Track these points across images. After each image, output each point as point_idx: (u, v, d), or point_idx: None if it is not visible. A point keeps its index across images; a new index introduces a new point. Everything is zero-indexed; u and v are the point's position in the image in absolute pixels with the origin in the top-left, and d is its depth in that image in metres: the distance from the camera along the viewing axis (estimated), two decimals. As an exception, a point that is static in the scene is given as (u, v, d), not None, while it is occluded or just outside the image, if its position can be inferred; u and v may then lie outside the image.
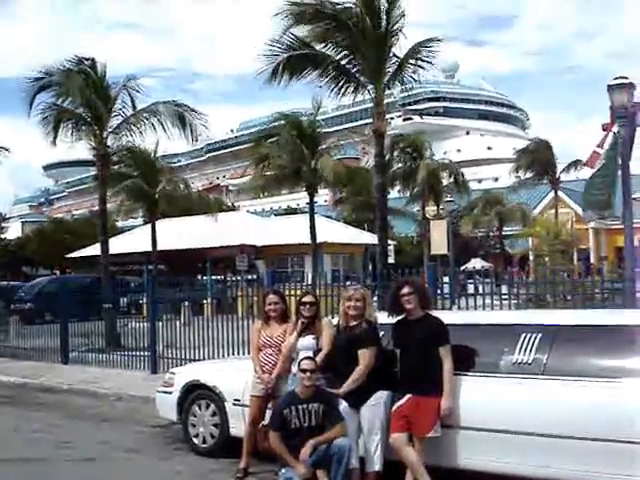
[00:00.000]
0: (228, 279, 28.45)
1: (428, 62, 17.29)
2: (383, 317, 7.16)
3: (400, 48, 17.06)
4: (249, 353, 8.35)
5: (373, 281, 15.78)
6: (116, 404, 12.58)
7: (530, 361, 6.49)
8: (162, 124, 20.83)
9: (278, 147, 29.63)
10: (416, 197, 42.37)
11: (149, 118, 20.84)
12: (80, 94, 19.69)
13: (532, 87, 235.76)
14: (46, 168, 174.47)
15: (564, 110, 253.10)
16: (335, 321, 7.43)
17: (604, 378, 6.05)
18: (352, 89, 17.71)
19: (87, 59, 20.60)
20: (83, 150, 22.79)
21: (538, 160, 43.18)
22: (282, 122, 30.48)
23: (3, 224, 66.19)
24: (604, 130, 12.87)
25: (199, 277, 36.47)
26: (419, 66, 17.35)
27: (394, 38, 16.92)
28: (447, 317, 7.12)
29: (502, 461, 6.33)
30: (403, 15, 16.69)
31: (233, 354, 12.56)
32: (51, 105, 20.45)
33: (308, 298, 7.65)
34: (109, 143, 20.97)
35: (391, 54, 17.00)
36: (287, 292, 11.56)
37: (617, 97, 12.20)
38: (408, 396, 6.63)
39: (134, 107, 20.98)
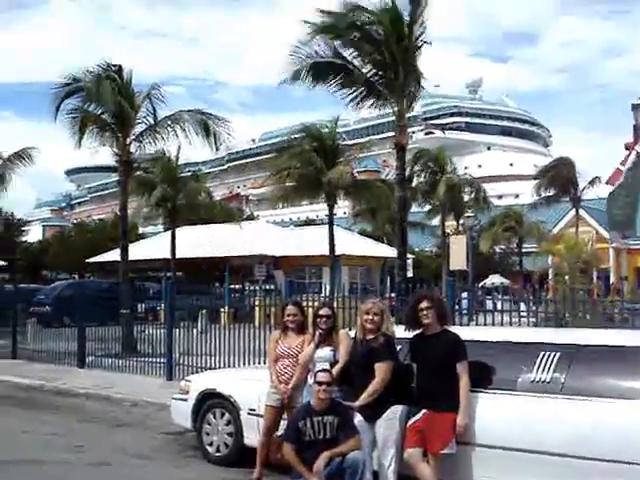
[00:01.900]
0: (246, 288, 28.56)
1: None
2: (401, 331, 7.13)
3: (423, 63, 17.13)
4: (265, 363, 8.34)
5: (391, 294, 15.75)
6: (131, 410, 12.60)
7: (548, 380, 6.44)
8: (185, 132, 20.94)
9: (298, 158, 29.66)
10: (436, 211, 42.29)
11: (173, 126, 20.96)
12: (111, 99, 19.83)
13: (556, 104, 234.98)
14: (68, 173, 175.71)
15: (587, 128, 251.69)
16: (352, 333, 7.42)
17: (622, 398, 5.99)
18: (375, 101, 17.74)
19: (114, 65, 20.76)
20: (106, 156, 22.97)
21: (560, 178, 42.94)
22: (303, 134, 30.53)
23: (24, 228, 66.57)
24: (627, 149, 12.82)
25: (217, 285, 36.59)
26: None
27: (418, 52, 16.93)
28: (465, 333, 7.08)
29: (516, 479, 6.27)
30: (425, 30, 16.73)
31: (249, 363, 12.54)
32: (78, 109, 20.58)
33: (324, 311, 7.62)
34: (132, 149, 21.09)
35: (415, 68, 17.00)
36: (305, 303, 11.58)
37: (642, 116, 12.12)
38: (424, 411, 6.60)
39: (155, 116, 21.06)
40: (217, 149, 21.90)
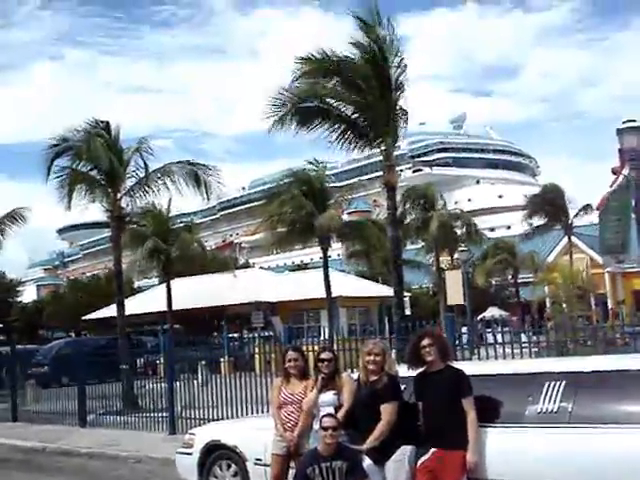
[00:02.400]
0: (244, 336, 28.43)
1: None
2: (403, 370, 7.08)
3: (405, 101, 17.25)
4: (268, 411, 8.25)
5: (390, 334, 15.70)
6: (135, 466, 12.45)
7: (556, 410, 6.39)
8: (175, 183, 21.04)
9: (288, 203, 29.77)
10: (429, 248, 42.34)
11: (162, 178, 21.07)
12: (103, 155, 19.97)
13: (540, 134, 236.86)
14: (60, 231, 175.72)
15: (573, 155, 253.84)
16: (355, 375, 7.36)
17: (632, 424, 5.93)
18: (361, 143, 17.84)
19: (102, 122, 20.92)
20: (97, 212, 23.02)
21: (550, 206, 43.15)
22: (291, 179, 30.70)
23: (18, 288, 66.36)
24: (614, 174, 12.96)
25: (215, 335, 36.41)
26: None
27: (399, 91, 17.09)
28: (469, 368, 7.03)
29: (531, 514, 6.19)
30: (405, 69, 16.91)
31: (252, 412, 12.44)
32: (65, 169, 20.69)
33: (326, 355, 7.56)
34: (123, 204, 21.15)
35: (397, 108, 17.13)
36: (305, 348, 11.51)
37: (627, 140, 12.29)
38: (433, 450, 6.52)
39: (147, 169, 21.19)
40: (208, 198, 22.00)
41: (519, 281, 50.43)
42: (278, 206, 29.98)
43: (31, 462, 13.58)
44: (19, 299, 65.49)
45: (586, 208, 43.03)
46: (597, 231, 51.45)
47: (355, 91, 17.17)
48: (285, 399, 7.65)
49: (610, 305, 42.13)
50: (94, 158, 20.25)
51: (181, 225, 39.63)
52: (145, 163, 21.12)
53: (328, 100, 17.63)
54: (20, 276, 72.51)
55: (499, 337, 11.78)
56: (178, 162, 21.67)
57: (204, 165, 21.52)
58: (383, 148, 17.07)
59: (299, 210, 29.14)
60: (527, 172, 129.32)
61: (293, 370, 7.75)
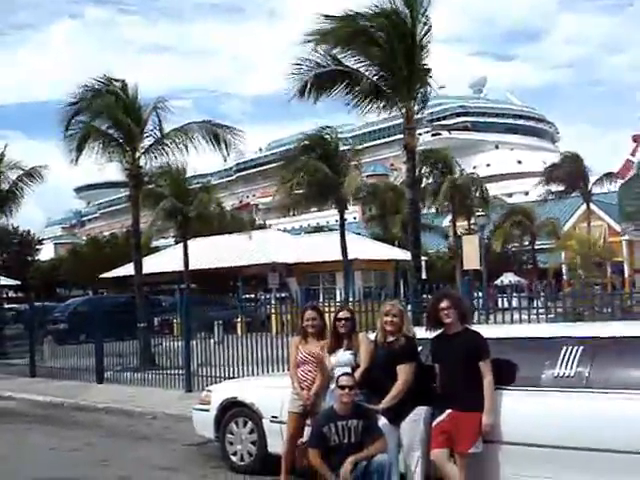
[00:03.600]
0: (260, 297, 28.53)
1: None
2: (421, 332, 7.09)
3: (429, 62, 17.01)
4: (283, 370, 8.30)
5: (406, 297, 15.69)
6: (151, 422, 12.60)
7: (572, 374, 6.38)
8: (195, 142, 20.91)
9: (303, 167, 29.62)
10: (443, 212, 42.12)
11: (181, 137, 20.97)
12: (109, 113, 19.91)
13: (561, 100, 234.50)
14: (78, 190, 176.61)
15: (593, 122, 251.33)
16: (372, 336, 7.37)
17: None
18: (382, 105, 17.65)
19: (117, 80, 20.80)
20: (114, 171, 23.01)
21: (569, 174, 42.80)
22: (306, 142, 30.47)
23: (37, 246, 66.87)
24: (635, 141, 12.75)
25: (231, 295, 36.58)
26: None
27: (423, 52, 16.85)
28: (487, 331, 7.03)
29: (546, 476, 6.21)
30: (430, 30, 16.64)
31: (267, 372, 12.52)
32: (81, 123, 20.62)
33: (344, 314, 7.60)
34: (141, 163, 21.12)
35: (421, 69, 16.90)
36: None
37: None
38: (448, 411, 6.55)
39: (161, 128, 21.06)
40: (228, 156, 21.87)
41: (536, 247, 50.21)
42: (293, 170, 29.86)
43: (49, 417, 13.76)
44: (37, 257, 66.03)
45: (609, 175, 42.71)
46: (616, 199, 51.19)
47: (378, 51, 16.94)
48: (303, 358, 7.68)
49: (627, 273, 41.89)
50: (110, 115, 20.19)
51: (198, 186, 39.60)
52: (160, 121, 20.99)
53: (349, 63, 17.40)
54: (38, 234, 73.02)
55: (514, 302, 11.77)
56: (199, 122, 21.54)
57: (224, 125, 21.40)
58: (404, 111, 16.88)
59: (314, 173, 28.98)
60: (547, 138, 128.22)
61: (311, 329, 7.77)
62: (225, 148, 20.77)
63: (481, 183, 43.12)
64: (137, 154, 20.74)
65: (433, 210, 43.49)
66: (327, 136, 30.11)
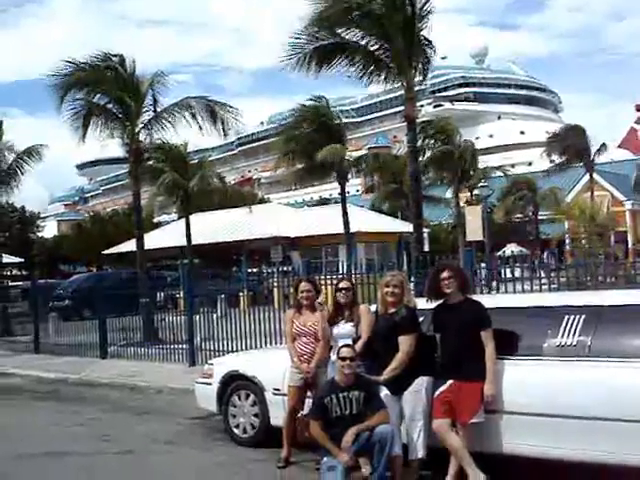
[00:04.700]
0: (263, 271, 28.55)
1: None
2: (422, 302, 7.06)
3: (429, 32, 16.86)
4: (285, 343, 8.29)
5: (409, 269, 15.68)
6: (155, 397, 12.64)
7: (574, 343, 6.35)
8: (194, 118, 20.81)
9: (299, 140, 29.40)
10: (442, 183, 41.84)
11: (180, 112, 20.87)
12: (108, 88, 19.79)
13: (564, 70, 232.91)
14: (80, 167, 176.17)
15: (596, 91, 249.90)
16: (373, 308, 7.35)
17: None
18: (382, 76, 17.53)
19: (115, 55, 20.64)
20: (116, 148, 22.93)
21: (571, 145, 42.58)
22: (302, 115, 30.15)
23: (39, 223, 66.92)
24: (638, 110, 12.62)
25: (234, 270, 36.62)
26: None
27: (423, 22, 16.69)
28: (488, 301, 7.00)
29: (548, 445, 6.20)
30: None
31: (270, 345, 12.54)
32: (81, 100, 20.50)
33: (344, 284, 7.61)
34: (141, 138, 21.02)
35: (421, 38, 16.75)
36: (322, 282, 11.54)
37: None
38: (450, 382, 6.53)
39: (155, 104, 20.92)
40: (225, 135, 21.78)
41: (539, 218, 50.10)
42: (287, 142, 29.62)
43: (54, 393, 13.80)
44: (40, 234, 66.09)
45: (602, 147, 42.48)
46: (619, 169, 51.01)
47: (376, 22, 16.77)
48: (298, 330, 7.68)
49: (630, 242, 41.85)
50: (109, 91, 20.06)
51: (199, 161, 39.44)
52: (155, 97, 20.87)
53: (348, 35, 17.25)
54: (41, 211, 73.04)
55: (517, 273, 11.73)
56: (195, 97, 21.40)
57: (221, 102, 21.25)
58: (404, 81, 16.76)
59: (310, 145, 28.77)
60: (549, 108, 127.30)
61: (306, 301, 7.76)
62: (222, 125, 20.69)
63: (474, 152, 42.57)
64: (136, 129, 20.65)
65: (437, 182, 43.26)
66: (321, 107, 29.76)
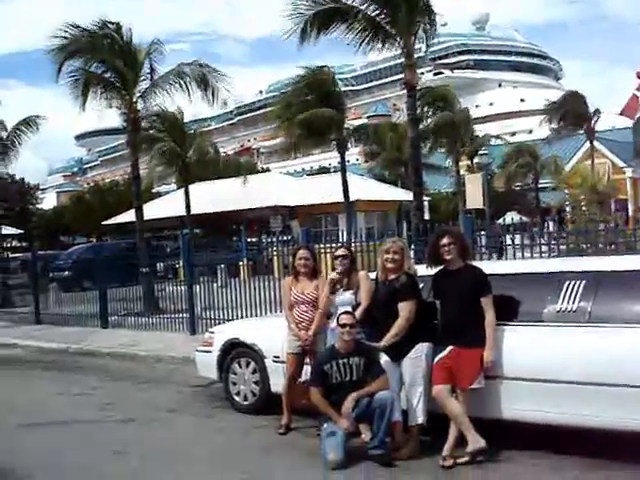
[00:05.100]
0: (263, 240, 28.56)
1: None
2: (422, 269, 7.03)
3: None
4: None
5: (409, 237, 15.65)
6: (156, 366, 12.67)
7: (574, 309, 6.35)
8: (187, 86, 20.64)
9: (298, 108, 29.14)
10: (448, 151, 41.65)
11: (176, 80, 20.68)
12: (105, 56, 19.62)
13: (565, 37, 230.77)
14: (78, 138, 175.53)
15: (597, 58, 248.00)
16: (373, 275, 7.32)
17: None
18: (381, 42, 17.34)
19: (112, 23, 20.40)
20: (114, 118, 22.74)
21: (570, 111, 42.29)
22: (300, 83, 29.85)
23: (39, 195, 66.72)
24: (639, 77, 12.50)
25: (234, 239, 36.60)
26: None
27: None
28: (488, 267, 6.97)
29: (547, 411, 6.22)
30: None
31: (269, 313, 12.55)
32: (78, 69, 20.32)
33: (341, 251, 7.59)
34: (139, 107, 20.86)
35: (420, 3, 16.56)
36: (322, 251, 11.52)
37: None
38: (450, 348, 6.52)
39: (152, 73, 20.73)
40: (216, 102, 21.50)
41: (540, 186, 49.94)
42: (286, 109, 29.34)
43: (56, 363, 13.83)
44: (39, 206, 65.94)
45: (596, 112, 42.18)
46: (620, 136, 50.72)
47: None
48: (296, 298, 7.68)
49: (631, 210, 41.77)
50: (106, 59, 19.88)
51: (198, 130, 39.23)
52: (152, 66, 20.66)
53: (346, 2, 17.06)
54: (40, 183, 72.80)
55: (517, 241, 11.70)
56: (190, 63, 21.15)
57: (214, 69, 20.99)
58: (404, 47, 16.60)
59: (304, 110, 28.49)
60: (550, 75, 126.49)
61: (303, 269, 7.75)
62: (212, 93, 20.50)
63: (467, 116, 42.16)
64: (134, 98, 20.49)
65: (437, 150, 43.03)
66: (320, 73, 29.46)
